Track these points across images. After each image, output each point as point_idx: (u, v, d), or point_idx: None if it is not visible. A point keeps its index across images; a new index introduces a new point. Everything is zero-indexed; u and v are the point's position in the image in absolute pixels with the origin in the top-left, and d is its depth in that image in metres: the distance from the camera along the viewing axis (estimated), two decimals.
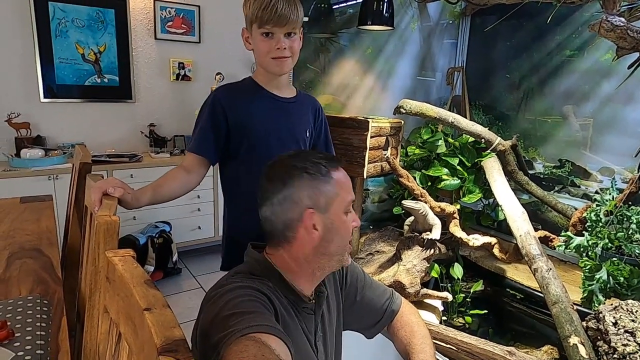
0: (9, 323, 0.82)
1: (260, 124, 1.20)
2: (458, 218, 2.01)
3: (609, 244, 1.61)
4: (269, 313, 0.75)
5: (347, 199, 0.87)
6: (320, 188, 0.83)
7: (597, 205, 1.75)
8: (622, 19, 1.45)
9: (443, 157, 2.29)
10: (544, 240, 1.84)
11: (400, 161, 2.29)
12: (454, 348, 1.45)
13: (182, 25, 3.20)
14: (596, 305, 1.53)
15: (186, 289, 2.82)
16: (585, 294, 1.61)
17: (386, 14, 2.38)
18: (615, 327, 1.32)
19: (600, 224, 1.68)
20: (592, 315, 1.42)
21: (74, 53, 2.87)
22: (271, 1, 1.08)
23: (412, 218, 2.04)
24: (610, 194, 1.74)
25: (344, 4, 2.73)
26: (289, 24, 1.11)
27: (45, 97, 2.82)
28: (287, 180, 0.83)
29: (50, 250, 1.24)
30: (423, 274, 1.82)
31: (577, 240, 1.69)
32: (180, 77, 3.22)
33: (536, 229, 1.87)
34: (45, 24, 2.74)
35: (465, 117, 2.48)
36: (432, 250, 1.88)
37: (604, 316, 1.36)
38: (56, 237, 1.36)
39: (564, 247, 1.74)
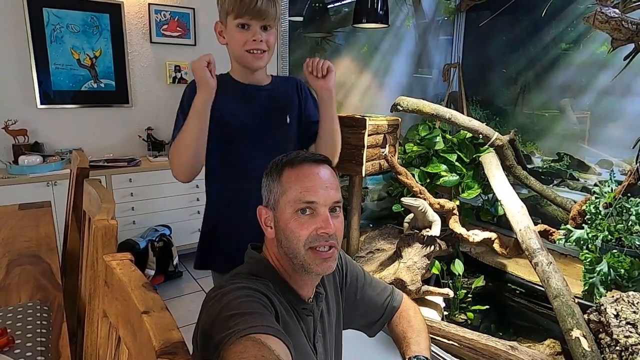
0: (9, 330, 0.81)
1: (235, 116, 1.16)
2: (458, 214, 2.01)
3: (609, 236, 1.61)
4: (269, 314, 0.75)
5: (300, 198, 0.81)
6: (269, 185, 0.87)
7: (596, 198, 1.75)
8: (617, 11, 1.45)
9: (441, 154, 2.29)
10: (544, 234, 1.84)
11: (398, 159, 2.29)
12: (456, 344, 1.45)
13: (177, 28, 3.19)
14: (597, 297, 1.53)
15: (188, 292, 2.81)
16: (587, 287, 1.61)
17: (381, 12, 2.38)
18: (617, 319, 1.32)
19: (600, 217, 1.68)
20: (594, 308, 1.42)
21: (69, 59, 2.86)
22: None
23: (411, 215, 2.04)
24: (609, 186, 1.74)
25: (339, 3, 2.73)
26: (267, 17, 1.08)
27: (42, 103, 2.81)
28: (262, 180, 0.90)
29: (50, 256, 1.23)
30: (424, 271, 1.82)
31: (577, 233, 1.69)
32: (177, 80, 3.22)
33: (536, 223, 1.87)
34: (40, 30, 2.73)
35: (463, 113, 2.48)
36: (433, 247, 1.88)
37: (605, 308, 1.36)
38: (55, 242, 1.35)
39: (564, 240, 1.75)
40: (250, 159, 1.18)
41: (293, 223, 0.81)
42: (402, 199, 1.94)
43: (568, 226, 1.76)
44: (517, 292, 2.02)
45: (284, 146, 1.21)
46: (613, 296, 1.41)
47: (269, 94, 1.21)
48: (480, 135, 2.17)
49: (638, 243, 1.54)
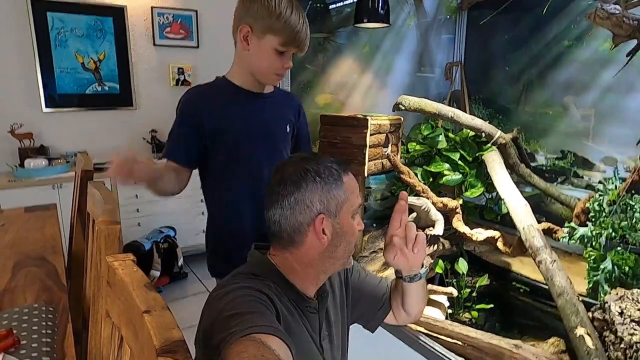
0: (15, 331, 0.83)
1: (238, 125, 1.18)
2: (461, 213, 2.00)
3: (613, 234, 1.60)
4: (270, 313, 0.76)
5: (356, 204, 0.88)
6: (331, 192, 0.83)
7: (600, 195, 1.74)
8: (618, 7, 1.44)
9: (444, 153, 2.28)
10: (547, 232, 1.83)
11: (401, 158, 2.29)
12: (460, 343, 1.45)
13: (180, 31, 3.21)
14: (602, 295, 1.53)
15: (193, 292, 2.83)
16: (591, 285, 1.61)
17: (382, 11, 2.38)
18: (622, 317, 1.31)
19: (604, 214, 1.67)
20: (598, 306, 1.42)
21: (73, 62, 2.90)
22: (297, 25, 1.10)
23: (414, 214, 2.04)
24: (613, 184, 1.73)
25: (340, 3, 2.74)
26: (304, 50, 1.15)
27: (47, 106, 2.85)
28: (299, 183, 0.82)
29: (55, 258, 1.25)
30: (427, 270, 1.81)
31: (581, 231, 1.68)
32: (180, 82, 3.24)
33: (540, 221, 1.86)
34: (45, 34, 2.77)
35: (465, 112, 2.47)
36: (436, 246, 1.87)
37: (609, 306, 1.36)
38: (61, 245, 1.37)
39: (568, 238, 1.74)
40: (249, 163, 1.20)
41: (351, 227, 0.88)
42: None
43: (572, 224, 1.75)
44: (522, 290, 2.02)
45: (282, 153, 1.25)
46: (617, 294, 1.41)
47: (271, 102, 1.26)
48: (483, 134, 2.17)
49: None
